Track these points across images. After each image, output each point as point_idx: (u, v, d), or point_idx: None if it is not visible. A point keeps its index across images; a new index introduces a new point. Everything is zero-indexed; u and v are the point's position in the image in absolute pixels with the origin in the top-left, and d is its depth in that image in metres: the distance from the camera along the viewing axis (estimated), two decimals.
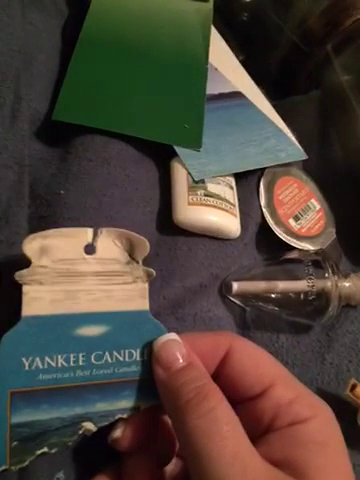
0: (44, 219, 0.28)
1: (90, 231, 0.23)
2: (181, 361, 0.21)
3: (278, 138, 0.37)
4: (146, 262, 0.24)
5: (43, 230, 0.22)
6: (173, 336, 0.22)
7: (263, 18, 0.45)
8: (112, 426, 0.22)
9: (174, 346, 0.22)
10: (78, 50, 0.34)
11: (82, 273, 0.23)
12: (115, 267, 0.24)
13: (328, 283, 0.30)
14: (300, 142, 0.38)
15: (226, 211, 0.31)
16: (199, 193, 0.31)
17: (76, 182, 0.29)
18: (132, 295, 0.23)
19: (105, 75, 0.33)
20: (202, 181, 0.31)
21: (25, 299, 0.21)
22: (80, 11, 0.36)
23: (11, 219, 0.26)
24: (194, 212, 0.30)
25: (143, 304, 0.24)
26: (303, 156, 0.37)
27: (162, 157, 0.33)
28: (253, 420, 0.20)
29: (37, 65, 0.32)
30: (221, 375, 0.22)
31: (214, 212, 0.30)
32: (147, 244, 0.24)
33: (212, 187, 0.31)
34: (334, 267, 0.31)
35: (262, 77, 0.42)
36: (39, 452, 0.20)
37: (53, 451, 0.21)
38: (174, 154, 0.32)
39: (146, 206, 0.31)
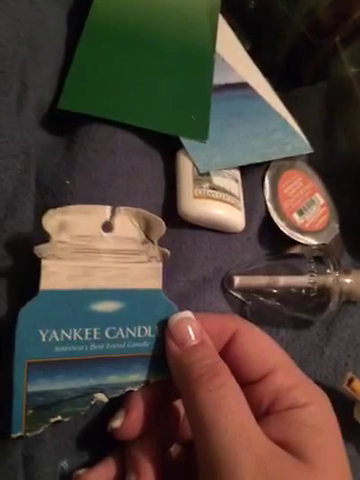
0: None
1: (108, 209, 0.24)
2: (194, 338, 0.22)
3: (284, 131, 0.37)
4: (160, 243, 0.24)
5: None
6: (188, 314, 0.23)
7: (271, 7, 0.44)
8: (118, 407, 0.23)
9: (188, 324, 0.23)
10: (84, 38, 0.33)
11: (99, 250, 0.23)
12: (131, 246, 0.24)
13: (329, 279, 0.31)
14: (305, 134, 0.38)
15: (231, 205, 0.31)
16: (204, 186, 0.30)
17: (81, 172, 0.29)
18: (146, 274, 0.24)
19: (111, 64, 0.33)
20: (207, 174, 0.31)
21: (43, 273, 0.22)
22: None
23: (17, 209, 0.26)
24: (199, 205, 0.30)
25: (157, 283, 0.24)
26: (309, 149, 0.37)
27: (168, 148, 0.32)
28: (253, 403, 0.21)
29: (43, 52, 0.31)
30: (225, 357, 0.23)
31: (219, 205, 0.30)
32: (163, 225, 0.24)
33: (217, 180, 0.31)
34: (336, 263, 0.31)
35: (269, 68, 0.42)
36: (53, 420, 0.21)
37: (66, 419, 0.22)
38: (180, 146, 0.32)
39: (151, 198, 0.31)
